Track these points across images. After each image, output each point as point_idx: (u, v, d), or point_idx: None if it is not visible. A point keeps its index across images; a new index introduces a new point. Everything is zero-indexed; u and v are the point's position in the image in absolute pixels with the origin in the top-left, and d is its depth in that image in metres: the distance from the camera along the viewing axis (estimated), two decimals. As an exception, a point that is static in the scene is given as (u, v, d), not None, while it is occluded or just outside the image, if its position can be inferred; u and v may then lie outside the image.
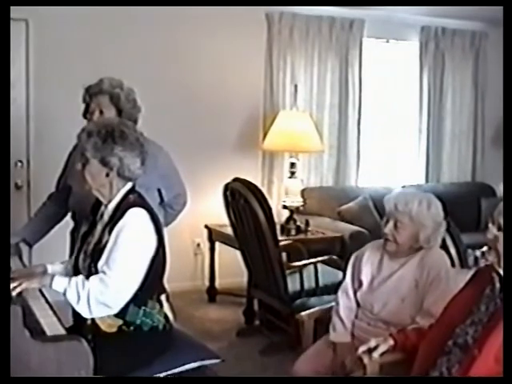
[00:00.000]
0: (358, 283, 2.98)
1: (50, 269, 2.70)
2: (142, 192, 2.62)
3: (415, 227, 2.82)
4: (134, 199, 2.53)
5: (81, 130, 2.55)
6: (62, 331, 2.35)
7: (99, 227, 2.55)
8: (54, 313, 2.48)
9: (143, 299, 2.48)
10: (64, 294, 2.40)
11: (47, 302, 2.56)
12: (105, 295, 2.38)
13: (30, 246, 3.22)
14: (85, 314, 2.41)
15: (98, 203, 2.62)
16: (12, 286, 2.39)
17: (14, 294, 2.36)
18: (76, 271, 2.58)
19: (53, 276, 2.46)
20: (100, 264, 2.42)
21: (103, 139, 2.47)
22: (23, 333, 2.23)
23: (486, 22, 6.32)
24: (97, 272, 2.43)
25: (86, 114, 3.18)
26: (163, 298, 2.63)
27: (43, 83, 4.93)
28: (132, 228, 2.43)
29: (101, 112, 3.10)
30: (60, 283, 2.42)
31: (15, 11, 3.47)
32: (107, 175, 2.50)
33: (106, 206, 2.56)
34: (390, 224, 2.85)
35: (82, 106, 3.21)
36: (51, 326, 2.35)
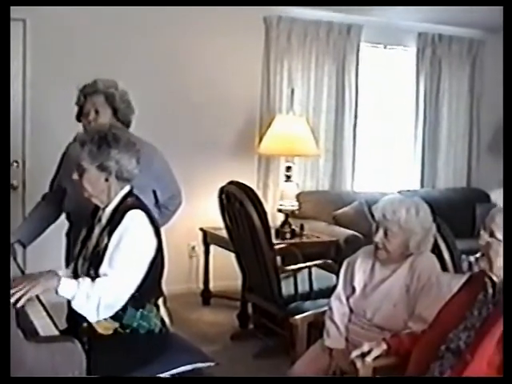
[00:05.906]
0: (350, 289, 2.97)
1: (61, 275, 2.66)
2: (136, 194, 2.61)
3: (405, 235, 2.81)
4: (132, 202, 2.53)
5: (72, 140, 2.54)
6: (56, 333, 2.35)
7: (97, 230, 2.55)
8: (48, 314, 2.47)
9: (141, 302, 2.48)
10: (72, 299, 2.37)
11: (41, 303, 2.55)
12: (109, 297, 2.38)
13: (24, 246, 3.20)
14: (92, 318, 2.39)
15: (97, 207, 2.62)
16: (19, 293, 2.31)
17: (22, 302, 2.30)
18: (75, 276, 2.57)
19: (59, 279, 2.37)
20: (102, 268, 2.41)
21: (98, 145, 2.47)
22: (17, 334, 2.23)
23: (483, 29, 6.34)
24: (96, 275, 2.42)
25: (80, 116, 3.15)
26: (160, 301, 2.62)
27: (40, 83, 4.93)
28: (133, 230, 2.43)
29: (96, 112, 3.07)
30: (68, 289, 2.36)
31: (13, 11, 3.45)
32: (106, 180, 2.51)
33: (104, 209, 2.56)
34: (380, 233, 2.83)
35: (75, 109, 3.20)
36: (45, 327, 2.35)
